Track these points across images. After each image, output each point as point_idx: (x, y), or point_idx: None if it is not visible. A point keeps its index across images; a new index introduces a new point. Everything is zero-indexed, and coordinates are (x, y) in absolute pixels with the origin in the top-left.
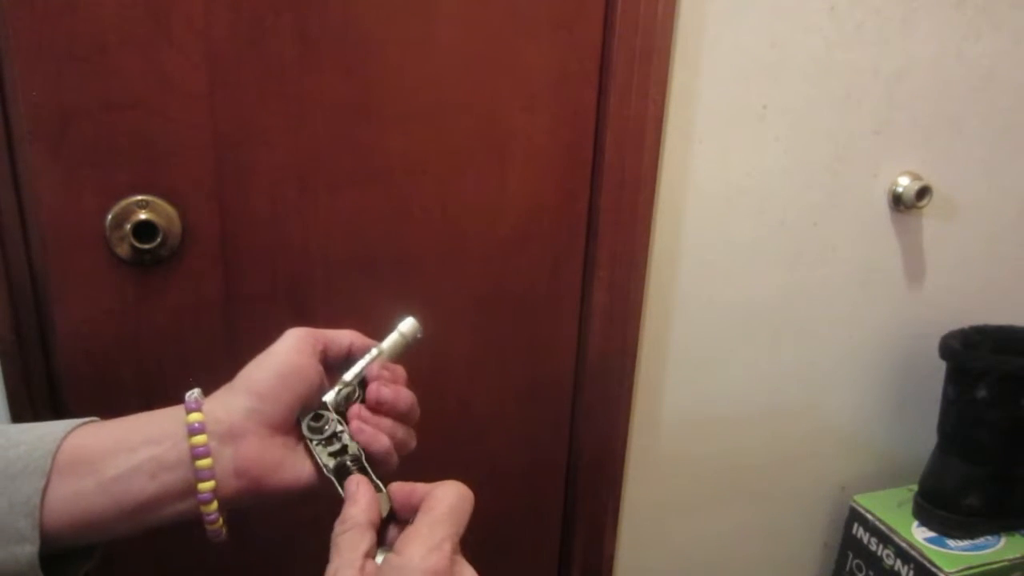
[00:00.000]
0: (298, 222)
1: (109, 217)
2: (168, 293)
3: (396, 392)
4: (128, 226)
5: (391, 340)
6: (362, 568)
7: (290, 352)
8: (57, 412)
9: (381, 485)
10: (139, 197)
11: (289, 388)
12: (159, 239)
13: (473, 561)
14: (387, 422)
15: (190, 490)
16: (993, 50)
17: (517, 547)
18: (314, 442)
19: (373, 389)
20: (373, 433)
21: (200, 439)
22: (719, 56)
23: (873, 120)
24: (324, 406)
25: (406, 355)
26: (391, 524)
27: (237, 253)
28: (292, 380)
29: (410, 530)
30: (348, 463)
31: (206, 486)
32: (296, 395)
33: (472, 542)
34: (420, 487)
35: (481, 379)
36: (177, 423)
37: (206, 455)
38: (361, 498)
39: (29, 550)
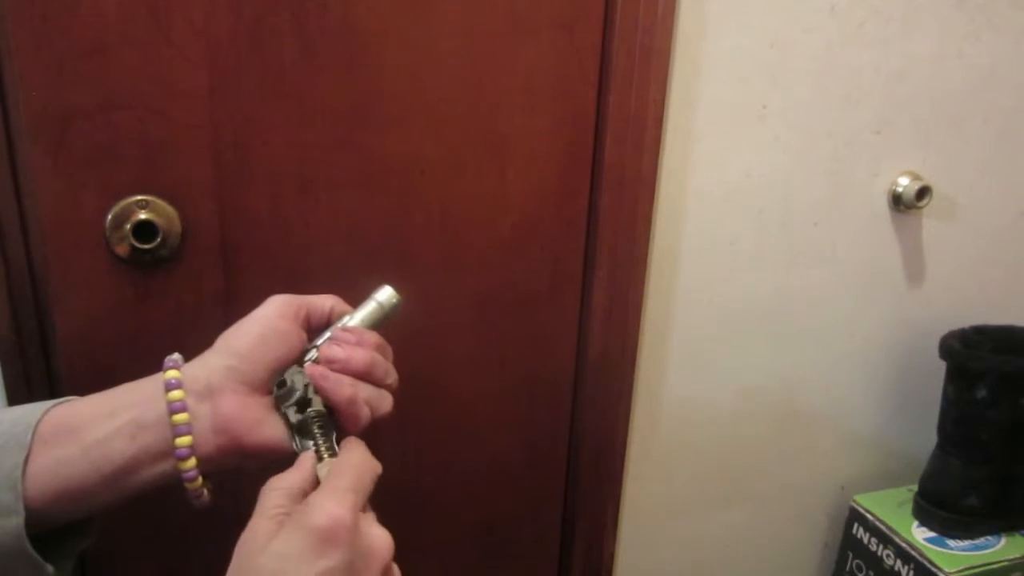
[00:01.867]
0: (298, 222)
1: (109, 217)
2: (168, 293)
3: (349, 352)
4: (128, 226)
5: (365, 307)
6: (275, 518)
7: (270, 316)
8: None
9: (336, 448)
10: (139, 197)
11: (269, 348)
12: (159, 239)
13: (473, 561)
14: (346, 379)
15: (169, 449)
16: (993, 50)
17: (517, 547)
18: (283, 405)
19: (324, 348)
20: (334, 383)
21: (176, 394)
22: (719, 56)
23: (873, 120)
24: (294, 371)
25: (387, 324)
26: None
27: (237, 253)
28: (272, 341)
29: (319, 488)
30: (311, 419)
31: (183, 440)
32: (275, 356)
33: (472, 542)
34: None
35: (481, 379)
36: (156, 384)
37: (182, 410)
38: (302, 468)
39: (15, 522)
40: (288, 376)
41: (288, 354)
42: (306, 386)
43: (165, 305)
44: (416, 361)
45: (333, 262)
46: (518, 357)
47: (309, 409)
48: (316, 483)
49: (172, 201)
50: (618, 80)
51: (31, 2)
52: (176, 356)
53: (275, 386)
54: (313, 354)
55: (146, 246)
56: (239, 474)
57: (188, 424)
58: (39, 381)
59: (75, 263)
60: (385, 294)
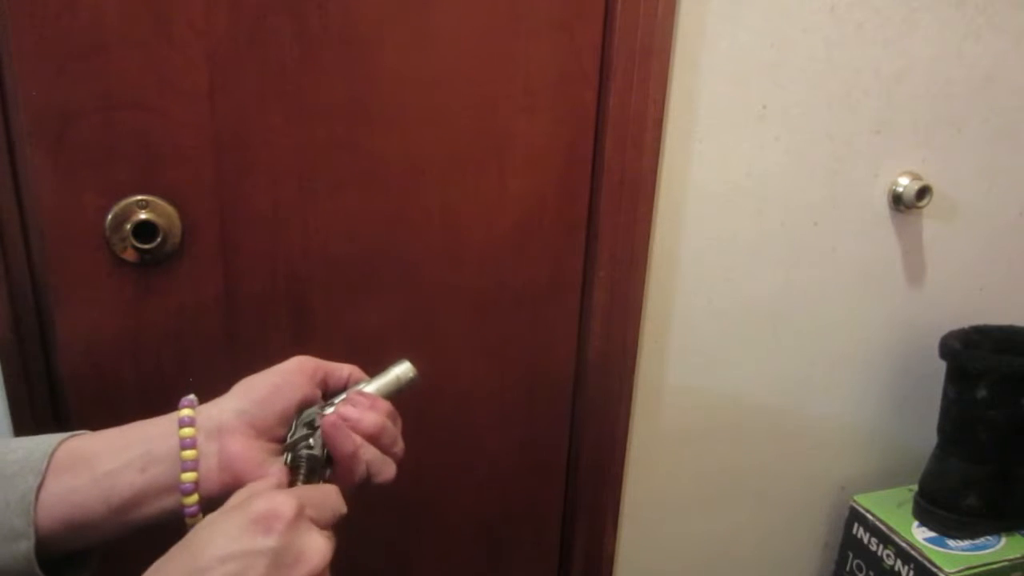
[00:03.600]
0: (298, 222)
1: (109, 217)
2: (168, 293)
3: (362, 413)
4: (128, 226)
5: (382, 377)
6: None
7: (289, 370)
8: (57, 412)
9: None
10: (139, 197)
11: (281, 398)
12: (159, 239)
13: (474, 561)
14: (355, 435)
15: (175, 484)
16: (993, 50)
17: (517, 547)
18: (289, 444)
19: (339, 406)
20: (342, 435)
21: (188, 431)
22: (719, 56)
23: (873, 120)
24: (309, 416)
25: (400, 397)
26: None
27: (237, 253)
28: (285, 391)
29: None
30: (302, 455)
31: (188, 476)
32: (286, 406)
33: (472, 542)
34: None
35: (481, 379)
36: (171, 421)
37: (192, 446)
38: (271, 477)
39: (25, 546)
40: (302, 419)
41: (299, 406)
42: (315, 431)
43: (165, 305)
44: (416, 361)
45: (333, 262)
46: (518, 357)
47: (301, 446)
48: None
49: (172, 201)
50: (618, 80)
51: (31, 2)
52: (192, 397)
53: (292, 424)
54: (328, 410)
55: (146, 246)
56: None
57: (196, 461)
58: (39, 381)
59: (75, 263)
60: (403, 368)
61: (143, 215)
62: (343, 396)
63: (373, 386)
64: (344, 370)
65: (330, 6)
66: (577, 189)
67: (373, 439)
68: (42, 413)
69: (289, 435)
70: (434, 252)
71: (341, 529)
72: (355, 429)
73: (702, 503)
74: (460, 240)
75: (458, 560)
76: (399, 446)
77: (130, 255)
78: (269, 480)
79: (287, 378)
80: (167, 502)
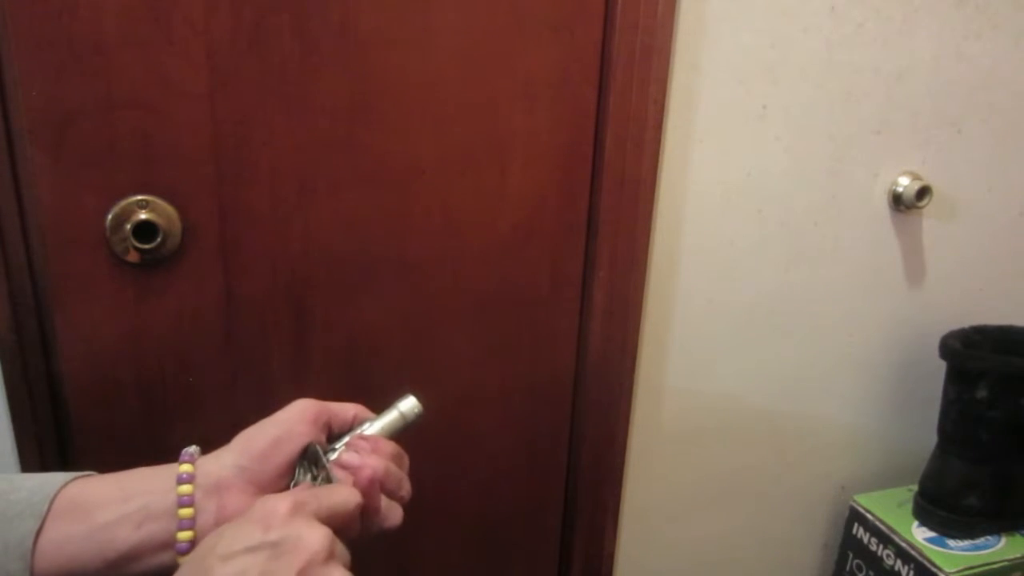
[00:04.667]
0: (298, 222)
1: (109, 217)
2: (168, 293)
3: (363, 459)
4: (128, 226)
5: (387, 415)
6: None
7: (291, 419)
8: (57, 413)
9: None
10: (139, 197)
11: (282, 451)
12: (159, 239)
13: (474, 561)
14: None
15: (172, 541)
16: (993, 50)
17: (517, 547)
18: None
19: (342, 453)
20: (359, 465)
21: (186, 488)
22: (719, 56)
23: (873, 120)
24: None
25: (407, 433)
26: None
27: (237, 253)
28: (286, 445)
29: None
30: (314, 464)
31: (185, 535)
32: (287, 458)
33: (472, 542)
34: None
35: (481, 379)
36: (171, 475)
37: (189, 504)
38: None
39: None
40: (307, 458)
41: (302, 455)
42: (319, 475)
43: (165, 305)
44: (416, 361)
45: (333, 262)
46: (518, 357)
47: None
48: None
49: (172, 201)
50: (618, 80)
51: (31, 2)
52: (193, 449)
53: (295, 471)
54: (332, 455)
55: (146, 246)
56: None
57: (192, 519)
58: (39, 381)
59: (75, 263)
60: (408, 404)
61: (143, 215)
62: (345, 440)
63: (377, 426)
64: (349, 411)
65: (330, 6)
66: (577, 189)
67: (377, 485)
68: (42, 413)
69: (291, 483)
70: (434, 252)
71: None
72: (356, 476)
73: (702, 503)
74: (460, 240)
75: (458, 560)
76: (405, 489)
77: (130, 255)
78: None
79: (288, 429)
80: (163, 559)
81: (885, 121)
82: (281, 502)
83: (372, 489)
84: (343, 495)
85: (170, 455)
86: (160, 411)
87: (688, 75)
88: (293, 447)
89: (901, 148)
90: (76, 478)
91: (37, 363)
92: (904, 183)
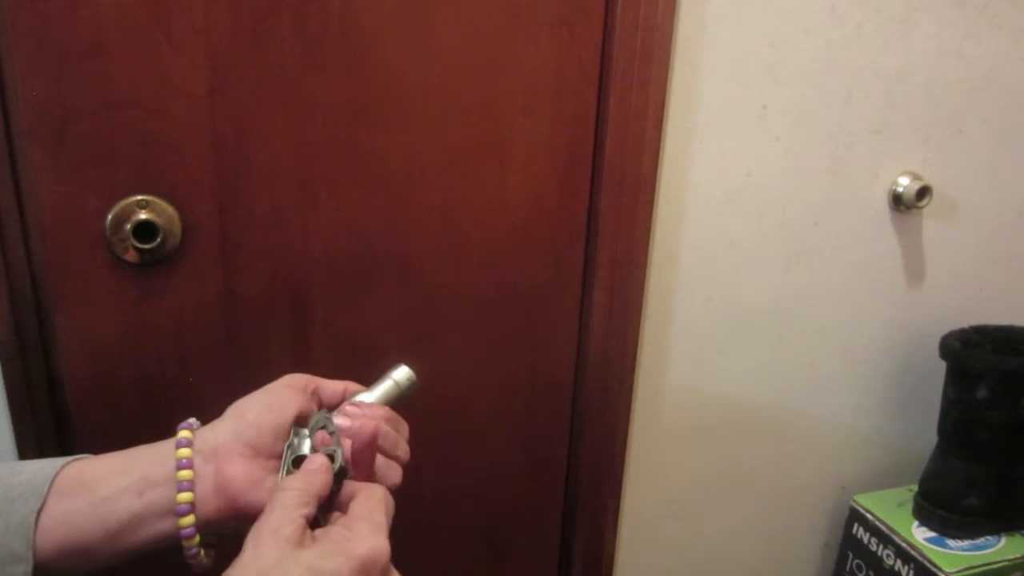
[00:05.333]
0: (298, 222)
1: (109, 217)
2: (168, 293)
3: (353, 422)
4: (128, 226)
5: (381, 384)
6: (304, 527)
7: (278, 386)
8: (57, 412)
9: (342, 456)
10: (139, 197)
11: (274, 414)
12: (159, 239)
13: (474, 561)
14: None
15: (172, 507)
16: (993, 50)
17: (517, 547)
18: (285, 456)
19: (335, 416)
20: (360, 424)
21: (185, 452)
22: (719, 56)
23: (873, 120)
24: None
25: (404, 402)
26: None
27: (237, 253)
28: (277, 407)
29: (351, 515)
30: (322, 426)
31: (184, 496)
32: (279, 422)
33: (472, 542)
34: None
35: (481, 379)
36: (170, 445)
37: (188, 467)
38: (319, 473)
39: (23, 570)
40: (313, 425)
41: (295, 420)
42: (334, 438)
43: (165, 305)
44: (416, 360)
45: (333, 262)
46: (518, 357)
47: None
48: (329, 488)
49: (172, 201)
50: (618, 80)
51: (31, 2)
52: (192, 420)
53: (289, 435)
54: (317, 419)
55: (146, 246)
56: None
57: (191, 482)
58: (39, 381)
59: (75, 263)
60: (402, 373)
61: (143, 215)
62: (335, 410)
63: (371, 395)
64: (339, 384)
65: (330, 6)
66: (577, 189)
67: (372, 446)
68: (42, 413)
69: (285, 445)
70: (434, 252)
71: None
72: (350, 437)
73: (702, 503)
74: (460, 240)
75: (458, 560)
76: (402, 449)
77: (130, 255)
78: (317, 472)
79: (278, 394)
80: (164, 525)
81: (885, 121)
82: (383, 543)
83: (367, 449)
84: (391, 500)
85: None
86: (160, 411)
87: (688, 75)
88: (285, 410)
89: (901, 148)
90: (76, 459)
91: (37, 363)
92: (904, 183)
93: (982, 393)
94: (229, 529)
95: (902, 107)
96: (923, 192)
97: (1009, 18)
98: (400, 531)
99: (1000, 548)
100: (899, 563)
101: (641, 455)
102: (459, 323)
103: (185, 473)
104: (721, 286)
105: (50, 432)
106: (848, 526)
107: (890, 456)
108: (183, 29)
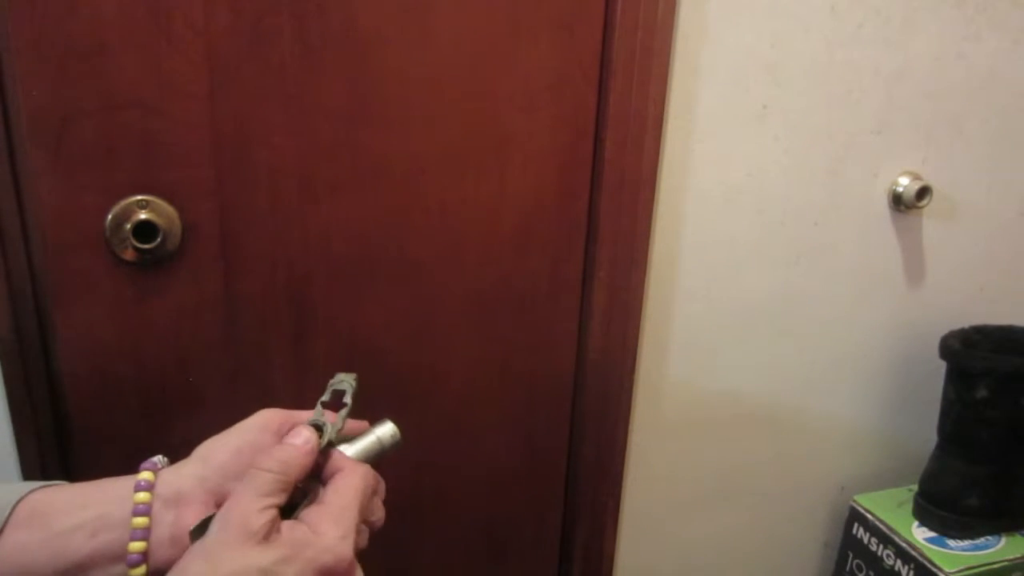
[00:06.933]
0: (298, 222)
1: (109, 217)
2: (168, 293)
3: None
4: (128, 226)
5: (363, 440)
6: (272, 520)
7: (252, 429)
8: (57, 412)
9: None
10: (139, 197)
11: (243, 463)
12: (159, 239)
13: (474, 561)
14: None
15: (124, 554)
16: (993, 50)
17: (517, 547)
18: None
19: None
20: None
21: (142, 496)
22: (719, 56)
23: (873, 120)
24: None
25: (405, 432)
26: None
27: (238, 253)
28: (247, 454)
29: (322, 508)
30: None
31: (136, 547)
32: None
33: (472, 542)
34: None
35: (481, 378)
36: (132, 484)
37: (145, 513)
38: (299, 456)
39: None
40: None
41: None
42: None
43: (165, 305)
44: (416, 360)
45: (333, 262)
46: (518, 357)
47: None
48: (310, 466)
49: (172, 201)
50: (618, 80)
51: (31, 2)
52: (157, 458)
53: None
54: (338, 382)
55: (146, 246)
56: None
57: (146, 530)
58: (39, 381)
59: (75, 263)
60: (387, 431)
61: (143, 215)
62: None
63: (351, 449)
64: None
65: (330, 6)
66: (577, 189)
67: None
68: (42, 413)
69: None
70: (434, 252)
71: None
72: None
73: (702, 503)
74: (460, 240)
75: (458, 560)
76: (377, 515)
77: (130, 255)
78: (302, 449)
79: (250, 440)
80: (115, 571)
81: (885, 121)
82: (346, 544)
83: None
84: (371, 489)
85: (170, 455)
86: (160, 411)
87: (688, 75)
88: (253, 458)
89: (901, 148)
90: (43, 487)
91: (37, 363)
92: (904, 183)
93: (982, 393)
94: None
95: (902, 107)
96: (923, 192)
97: (1009, 18)
98: (400, 531)
99: (1000, 548)
100: (899, 563)
101: (641, 455)
102: (459, 323)
103: (140, 520)
104: (721, 286)
105: (50, 432)
106: (848, 526)
107: (890, 456)
108: (183, 29)
